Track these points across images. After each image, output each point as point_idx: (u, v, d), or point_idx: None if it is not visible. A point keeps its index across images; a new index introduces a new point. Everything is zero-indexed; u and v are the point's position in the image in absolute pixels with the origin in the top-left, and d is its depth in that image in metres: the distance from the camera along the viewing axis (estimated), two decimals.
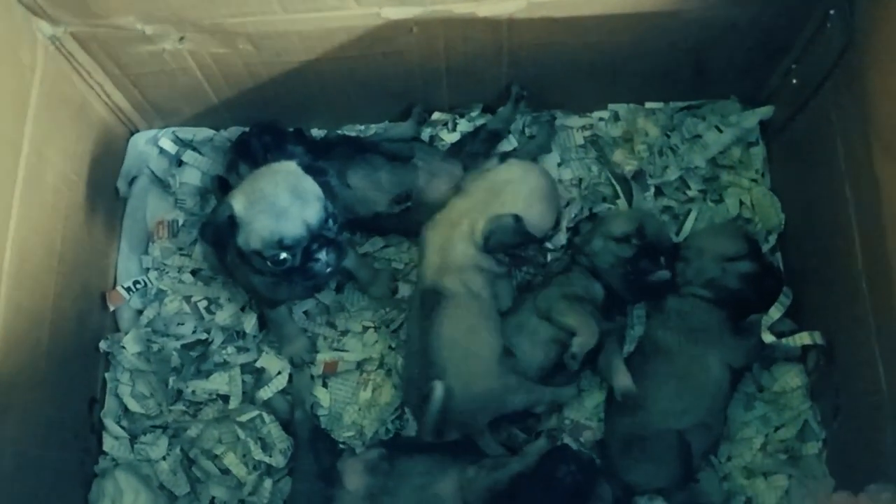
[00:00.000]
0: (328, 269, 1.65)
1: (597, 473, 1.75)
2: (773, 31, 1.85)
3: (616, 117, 2.13)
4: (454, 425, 1.73)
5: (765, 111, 2.04)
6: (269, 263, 1.62)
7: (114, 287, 2.00)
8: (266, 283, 1.77)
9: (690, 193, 2.04)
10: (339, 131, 2.14)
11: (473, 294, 1.79)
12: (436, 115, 2.11)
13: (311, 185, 1.65)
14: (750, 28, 1.84)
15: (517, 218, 1.79)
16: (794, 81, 1.91)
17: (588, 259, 1.87)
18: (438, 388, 1.69)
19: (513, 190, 1.82)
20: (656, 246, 1.85)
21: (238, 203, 1.63)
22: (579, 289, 1.84)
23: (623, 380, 1.78)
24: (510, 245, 1.84)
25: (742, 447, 1.86)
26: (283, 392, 1.93)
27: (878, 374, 1.61)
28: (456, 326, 1.76)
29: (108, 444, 1.89)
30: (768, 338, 1.80)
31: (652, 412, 1.78)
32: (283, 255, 1.60)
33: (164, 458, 1.90)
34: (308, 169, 1.68)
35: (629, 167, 2.06)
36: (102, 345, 1.93)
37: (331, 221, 1.65)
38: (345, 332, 1.98)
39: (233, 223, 1.62)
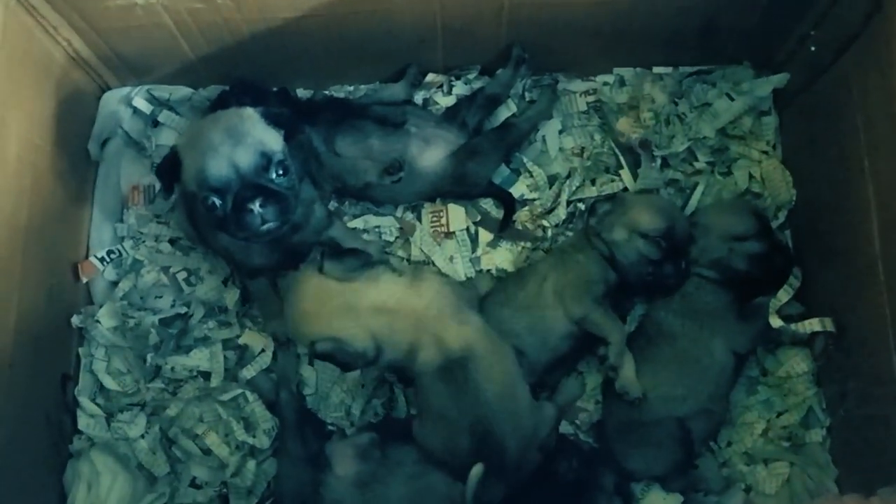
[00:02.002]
0: (264, 226, 1.49)
1: (597, 464, 1.69)
2: None
3: (622, 82, 2.01)
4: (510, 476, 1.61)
5: (779, 79, 1.92)
6: (203, 209, 1.50)
7: (86, 257, 1.88)
8: (237, 246, 1.66)
9: (698, 165, 1.94)
10: (326, 92, 2.01)
11: (482, 331, 1.61)
12: (430, 77, 1.98)
13: (257, 131, 1.51)
14: None
15: None
16: (813, 48, 1.80)
17: (606, 246, 1.76)
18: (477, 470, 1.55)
19: None
20: (681, 248, 1.74)
21: (181, 140, 1.54)
22: (601, 284, 1.73)
23: (629, 376, 1.70)
24: None
25: (743, 432, 1.80)
26: (266, 371, 1.84)
27: (891, 361, 1.55)
28: (494, 381, 1.57)
29: (83, 422, 1.81)
30: (776, 322, 1.73)
31: (652, 397, 1.71)
32: (212, 199, 1.47)
33: (142, 437, 1.82)
34: (275, 119, 1.55)
35: (634, 136, 1.95)
36: (75, 320, 1.83)
37: (276, 171, 1.50)
38: None
39: (177, 161, 1.52)
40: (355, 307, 1.56)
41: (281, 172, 1.51)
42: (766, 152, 1.94)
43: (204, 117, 1.59)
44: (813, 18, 1.77)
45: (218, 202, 1.48)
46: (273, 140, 1.52)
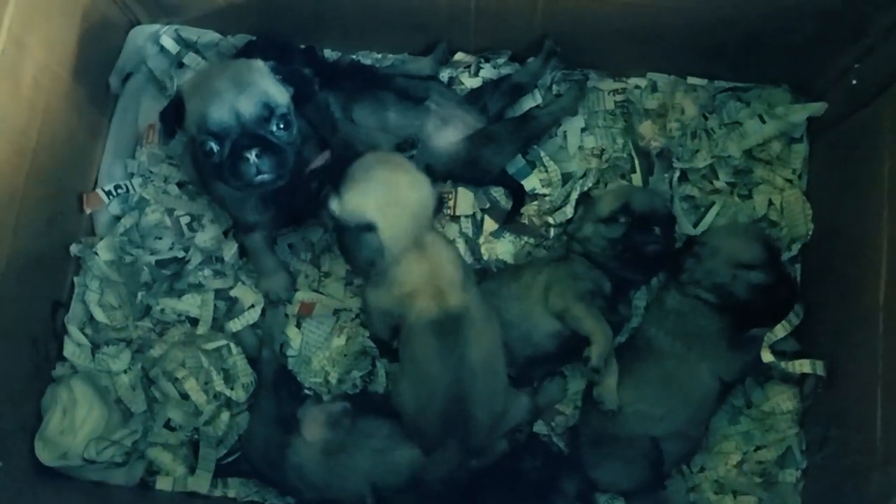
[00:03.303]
0: (259, 177, 1.50)
1: (562, 468, 1.68)
2: (840, 19, 1.66)
3: (654, 87, 1.96)
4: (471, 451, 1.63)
5: (817, 107, 1.85)
6: (201, 154, 1.51)
7: (93, 189, 1.89)
8: (233, 198, 1.68)
9: (717, 184, 1.89)
10: (354, 56, 1.98)
11: (480, 302, 1.62)
12: (459, 56, 1.95)
13: (264, 83, 1.52)
14: (815, 12, 1.66)
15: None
16: (854, 81, 1.73)
17: (581, 246, 1.74)
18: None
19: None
20: (647, 217, 1.72)
21: (187, 84, 1.56)
22: (589, 282, 1.71)
23: (610, 386, 1.67)
24: None
25: (717, 460, 1.77)
26: (253, 327, 1.85)
27: (875, 416, 1.51)
28: (482, 349, 1.58)
29: (68, 349, 1.83)
30: (767, 357, 1.69)
31: (630, 412, 1.68)
32: (210, 145, 1.49)
33: (124, 372, 1.83)
34: (284, 76, 1.56)
35: (655, 144, 1.91)
36: (74, 248, 1.84)
37: (277, 124, 1.51)
38: (328, 274, 1.88)
39: (181, 105, 1.53)
40: (418, 227, 1.59)
41: (282, 126, 1.52)
42: (790, 181, 1.88)
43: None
44: (860, 50, 1.70)
45: (216, 148, 1.49)
46: (279, 94, 1.53)
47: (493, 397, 1.61)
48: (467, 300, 1.59)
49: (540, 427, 1.81)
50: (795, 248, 1.84)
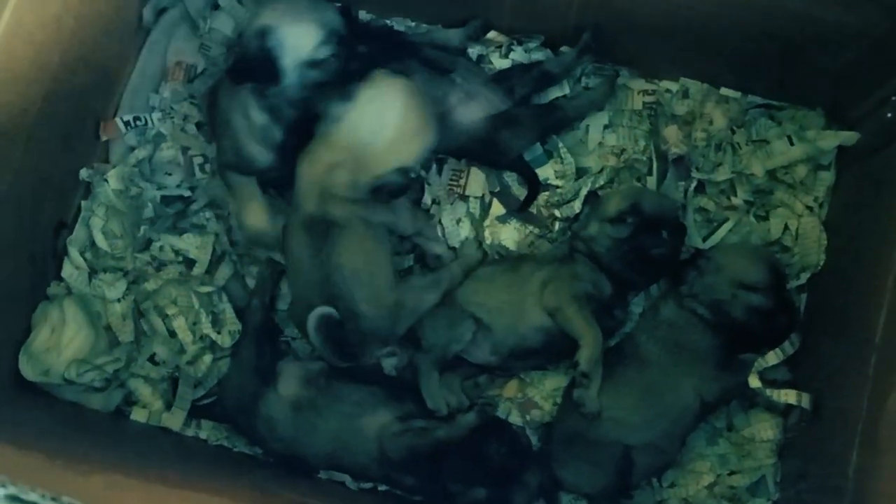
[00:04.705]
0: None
1: (528, 459, 1.66)
2: (884, 48, 1.60)
3: (685, 93, 1.90)
4: (365, 346, 1.66)
5: (848, 136, 1.79)
6: (317, 71, 1.64)
7: (113, 117, 1.91)
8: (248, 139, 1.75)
9: (735, 201, 1.83)
10: (388, 21, 1.97)
11: (366, 223, 1.65)
12: (491, 34, 1.91)
13: None
14: (859, 37, 1.60)
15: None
16: (889, 115, 1.67)
17: (585, 245, 1.71)
18: (315, 315, 1.58)
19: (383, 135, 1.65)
20: (656, 219, 1.68)
21: (264, 19, 1.64)
22: (588, 284, 1.68)
23: (592, 390, 1.65)
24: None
25: (689, 478, 1.74)
26: (237, 277, 1.86)
27: (851, 458, 1.48)
28: (354, 256, 1.62)
29: (66, 271, 1.85)
30: (754, 383, 1.65)
31: (605, 417, 1.65)
32: (334, 50, 1.64)
33: (118, 301, 1.86)
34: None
35: (676, 150, 1.86)
36: (83, 173, 1.86)
37: None
38: None
39: (267, 53, 1.62)
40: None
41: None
42: (810, 208, 1.82)
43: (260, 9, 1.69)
44: None
45: (340, 53, 1.66)
46: None
47: (377, 297, 1.63)
48: (349, 215, 1.62)
49: (515, 418, 1.80)
50: (804, 277, 1.79)
